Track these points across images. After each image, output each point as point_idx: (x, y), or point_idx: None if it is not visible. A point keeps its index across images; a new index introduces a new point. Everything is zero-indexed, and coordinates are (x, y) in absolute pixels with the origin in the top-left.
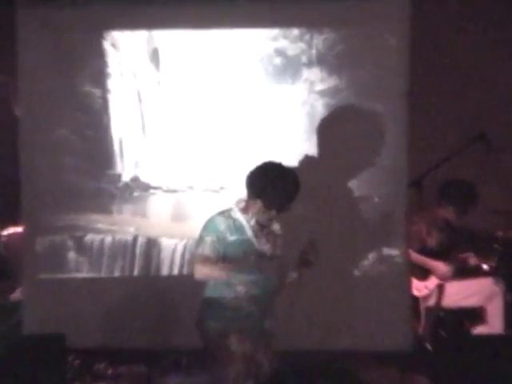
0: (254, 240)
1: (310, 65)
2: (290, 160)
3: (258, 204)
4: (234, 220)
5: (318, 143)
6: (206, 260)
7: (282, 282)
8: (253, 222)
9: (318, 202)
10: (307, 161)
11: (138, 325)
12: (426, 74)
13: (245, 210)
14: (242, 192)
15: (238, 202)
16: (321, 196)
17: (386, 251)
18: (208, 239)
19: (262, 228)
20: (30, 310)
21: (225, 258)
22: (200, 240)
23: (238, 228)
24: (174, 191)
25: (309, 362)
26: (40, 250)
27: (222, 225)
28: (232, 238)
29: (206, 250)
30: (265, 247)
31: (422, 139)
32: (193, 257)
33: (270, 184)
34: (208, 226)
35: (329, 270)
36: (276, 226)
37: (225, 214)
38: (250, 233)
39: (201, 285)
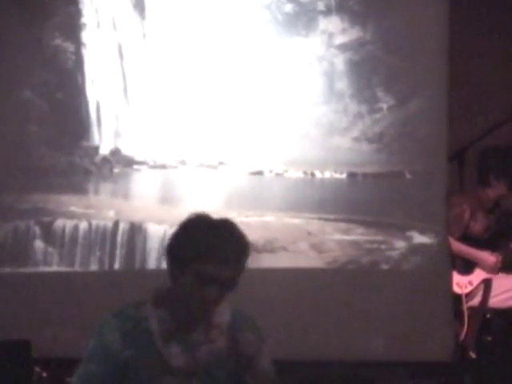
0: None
1: (329, 13)
2: (304, 128)
3: None
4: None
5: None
6: None
7: None
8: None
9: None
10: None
11: None
12: (468, 26)
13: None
14: (245, 168)
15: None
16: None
17: (420, 240)
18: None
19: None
20: None
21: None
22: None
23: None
24: (162, 167)
25: (330, 374)
26: None
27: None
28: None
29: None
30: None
31: (466, 104)
32: None
33: None
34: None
35: (347, 264)
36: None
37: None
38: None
39: None
